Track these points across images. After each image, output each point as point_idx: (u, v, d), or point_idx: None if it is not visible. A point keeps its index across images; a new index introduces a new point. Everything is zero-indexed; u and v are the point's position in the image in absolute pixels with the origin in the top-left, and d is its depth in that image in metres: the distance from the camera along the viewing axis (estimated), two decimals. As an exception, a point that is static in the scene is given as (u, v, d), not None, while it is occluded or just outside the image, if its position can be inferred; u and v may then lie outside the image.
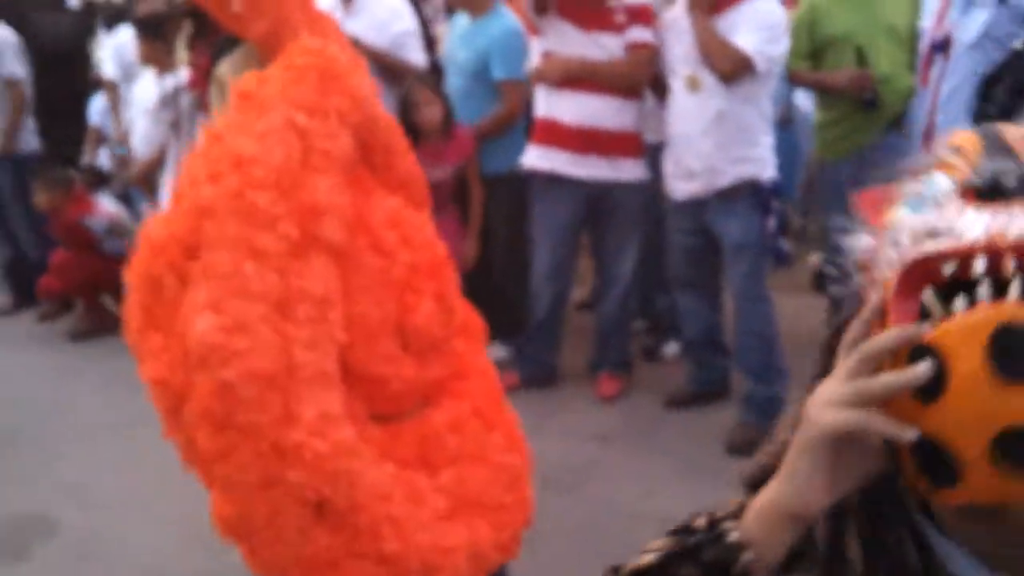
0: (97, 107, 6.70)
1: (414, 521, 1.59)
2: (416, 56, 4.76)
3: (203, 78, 3.82)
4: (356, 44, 3.25)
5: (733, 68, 3.77)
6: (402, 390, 1.72)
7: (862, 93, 4.27)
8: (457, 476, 1.74)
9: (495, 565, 1.75)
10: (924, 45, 3.93)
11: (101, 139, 6.44)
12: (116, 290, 5.55)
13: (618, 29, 4.11)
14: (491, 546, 1.73)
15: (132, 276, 1.53)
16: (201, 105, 4.29)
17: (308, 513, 1.47)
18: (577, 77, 4.12)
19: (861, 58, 4.27)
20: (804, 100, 5.49)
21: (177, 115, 4.86)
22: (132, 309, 1.52)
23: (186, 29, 4.77)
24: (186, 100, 4.74)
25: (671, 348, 4.87)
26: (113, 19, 6.94)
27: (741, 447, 3.90)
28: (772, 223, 3.94)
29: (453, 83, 4.69)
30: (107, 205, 5.74)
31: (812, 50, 4.44)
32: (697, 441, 4.02)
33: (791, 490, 0.81)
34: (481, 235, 4.60)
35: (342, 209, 1.57)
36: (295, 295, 1.46)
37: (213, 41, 4.12)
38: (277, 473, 1.40)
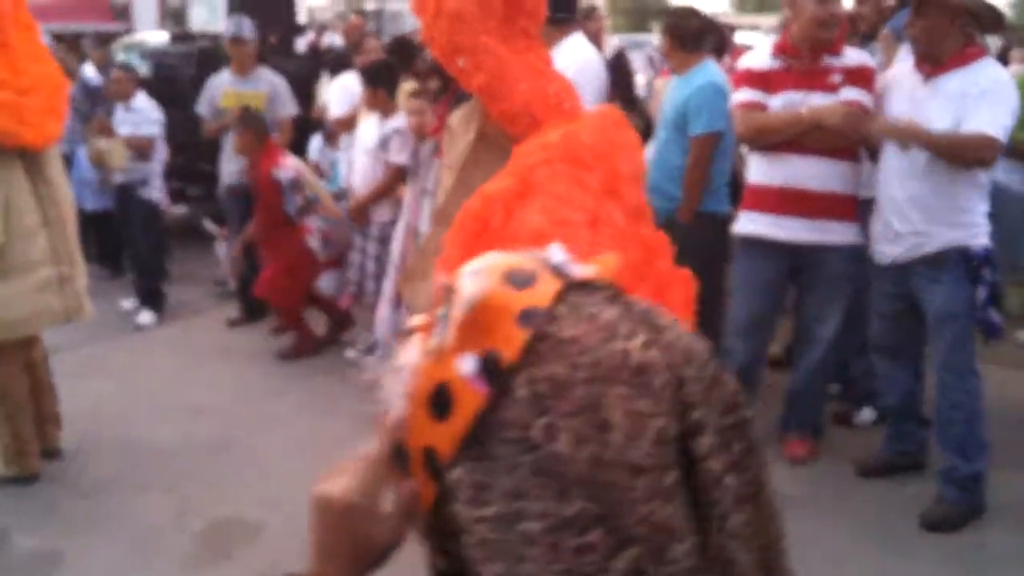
0: (315, 145, 7.17)
1: None
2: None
3: (441, 126, 4.13)
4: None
5: (986, 156, 3.68)
6: None
7: None
8: None
9: None
10: None
11: (319, 174, 6.87)
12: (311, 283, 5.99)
13: (832, 89, 4.09)
14: None
15: (457, 228, 1.92)
16: (438, 150, 4.59)
17: None
18: (786, 135, 4.11)
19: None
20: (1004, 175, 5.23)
21: (415, 159, 5.21)
22: (451, 254, 1.90)
23: (432, 84, 5.37)
24: (428, 147, 5.08)
25: (865, 415, 4.73)
26: (337, 65, 7.43)
27: (937, 523, 3.77)
28: (983, 293, 3.79)
29: (659, 136, 4.82)
30: (293, 160, 6.07)
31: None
32: (890, 514, 3.89)
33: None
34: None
35: (634, 190, 2.14)
36: (603, 219, 1.91)
37: (452, 96, 4.52)
38: None
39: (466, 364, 0.85)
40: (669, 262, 2.32)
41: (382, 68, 5.77)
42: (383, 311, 5.27)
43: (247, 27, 6.46)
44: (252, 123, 5.93)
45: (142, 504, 4.07)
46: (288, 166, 5.86)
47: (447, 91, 4.93)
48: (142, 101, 6.68)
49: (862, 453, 4.31)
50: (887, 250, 3.94)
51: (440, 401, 0.86)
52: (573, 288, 0.89)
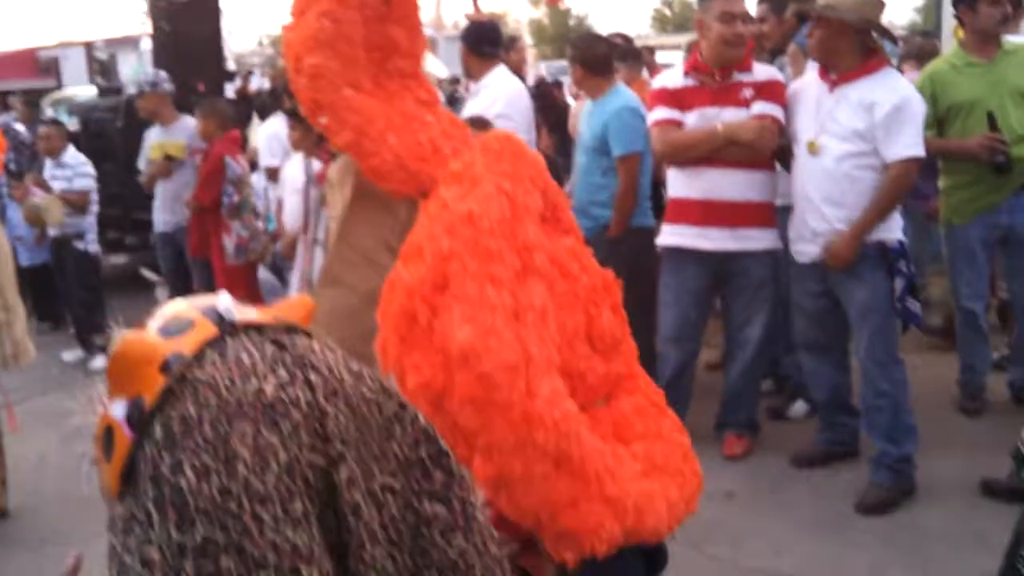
0: (259, 184, 7.22)
1: (623, 474, 1.99)
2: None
3: (325, 175, 4.17)
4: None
5: (914, 176, 3.96)
6: (596, 383, 2.18)
7: (994, 156, 4.31)
8: (645, 448, 2.15)
9: (684, 516, 2.13)
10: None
11: (256, 215, 6.91)
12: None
13: (744, 104, 4.25)
14: (679, 500, 2.11)
15: (387, 316, 1.97)
16: (323, 200, 4.61)
17: (550, 465, 1.86)
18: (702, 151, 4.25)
19: (992, 122, 4.32)
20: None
21: (304, 208, 5.25)
22: (388, 341, 1.96)
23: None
24: (314, 193, 5.11)
25: (798, 408, 4.89)
26: (264, 109, 7.51)
27: (871, 507, 3.90)
28: (900, 285, 3.95)
29: (579, 160, 4.98)
30: (244, 163, 6.31)
31: (936, 118, 4.50)
32: (825, 500, 4.03)
33: None
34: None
35: (544, 246, 2.09)
36: (523, 308, 1.92)
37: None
38: (526, 436, 1.82)
39: (117, 409, 0.95)
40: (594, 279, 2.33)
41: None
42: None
43: (162, 79, 6.56)
44: (214, 113, 6.21)
45: (91, 555, 4.03)
46: (241, 163, 6.10)
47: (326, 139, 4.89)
48: (72, 155, 6.69)
49: (797, 445, 4.45)
50: (806, 249, 4.10)
51: (106, 442, 0.96)
52: (232, 333, 0.98)
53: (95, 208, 6.78)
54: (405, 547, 1.00)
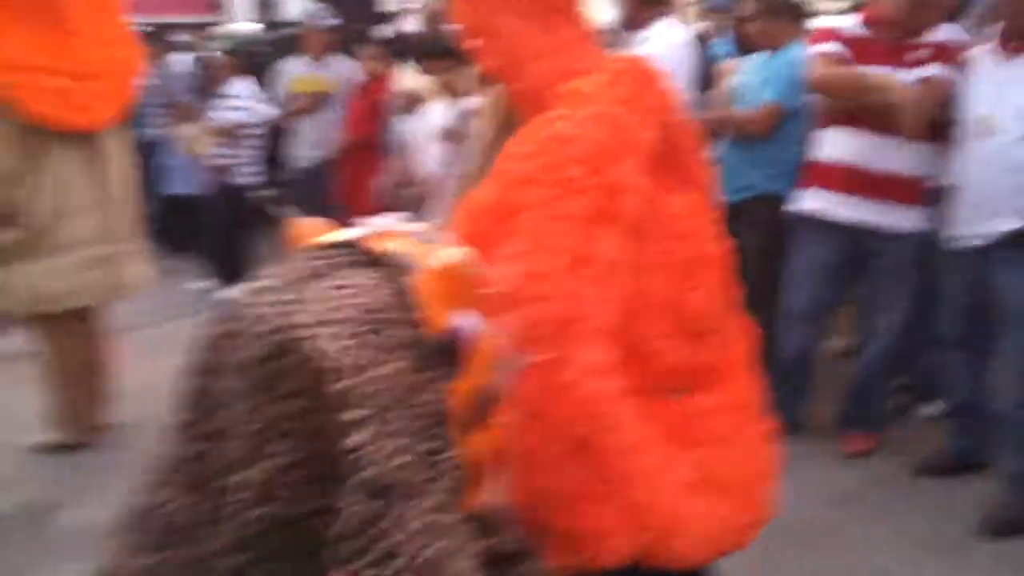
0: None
1: (662, 481, 1.69)
2: None
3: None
4: None
5: None
6: (671, 367, 1.85)
7: None
8: (710, 455, 1.83)
9: (729, 548, 1.81)
10: None
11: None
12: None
13: (915, 65, 3.87)
14: (729, 529, 1.79)
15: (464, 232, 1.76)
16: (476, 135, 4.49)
17: (566, 450, 1.60)
18: (855, 97, 3.91)
19: None
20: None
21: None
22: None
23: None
24: (464, 132, 4.99)
25: (930, 410, 4.49)
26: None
27: (999, 528, 3.55)
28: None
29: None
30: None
31: None
32: (948, 515, 3.69)
33: None
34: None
35: (642, 190, 1.78)
36: (592, 256, 1.66)
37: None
38: (544, 408, 1.56)
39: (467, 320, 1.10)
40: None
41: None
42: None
43: (322, 14, 6.58)
44: (380, 53, 6.36)
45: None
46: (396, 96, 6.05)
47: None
48: (239, 88, 6.80)
49: (925, 450, 4.10)
50: (968, 236, 3.69)
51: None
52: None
53: (256, 143, 6.88)
54: None
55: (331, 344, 0.94)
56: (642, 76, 1.94)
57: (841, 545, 3.52)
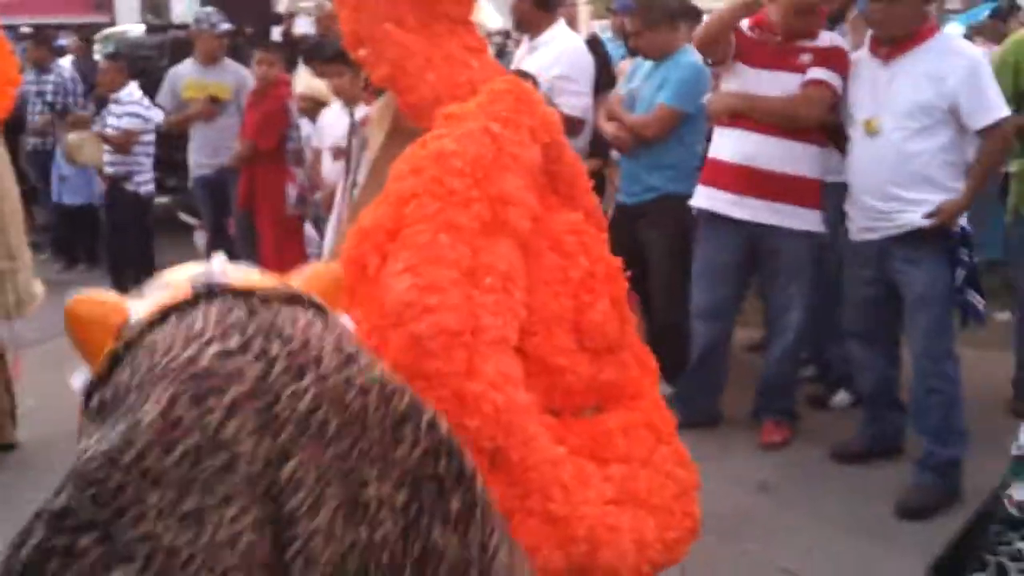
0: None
1: (582, 494, 1.69)
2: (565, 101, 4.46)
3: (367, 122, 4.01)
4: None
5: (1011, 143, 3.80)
6: (576, 385, 1.86)
7: None
8: (625, 473, 1.84)
9: (660, 563, 1.81)
10: None
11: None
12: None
13: (800, 69, 4.00)
14: (656, 541, 1.79)
15: (341, 262, 1.73)
16: (364, 144, 4.45)
17: (483, 462, 1.56)
18: (741, 112, 4.04)
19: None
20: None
21: (347, 151, 5.07)
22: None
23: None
24: (357, 139, 4.92)
25: (841, 398, 4.65)
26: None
27: (913, 511, 3.69)
28: (961, 275, 3.69)
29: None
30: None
31: (1015, 94, 4.18)
32: (863, 500, 3.81)
33: None
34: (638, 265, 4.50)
35: (528, 205, 1.79)
36: (483, 267, 1.65)
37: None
38: (457, 420, 1.52)
39: (76, 379, 0.92)
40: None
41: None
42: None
43: (214, 18, 6.42)
44: (275, 57, 6.16)
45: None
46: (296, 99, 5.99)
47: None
48: (129, 93, 6.60)
49: (838, 438, 4.23)
50: (862, 233, 3.85)
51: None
52: (210, 297, 0.89)
53: (150, 149, 6.67)
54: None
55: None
56: (522, 97, 1.95)
57: (762, 531, 3.61)
